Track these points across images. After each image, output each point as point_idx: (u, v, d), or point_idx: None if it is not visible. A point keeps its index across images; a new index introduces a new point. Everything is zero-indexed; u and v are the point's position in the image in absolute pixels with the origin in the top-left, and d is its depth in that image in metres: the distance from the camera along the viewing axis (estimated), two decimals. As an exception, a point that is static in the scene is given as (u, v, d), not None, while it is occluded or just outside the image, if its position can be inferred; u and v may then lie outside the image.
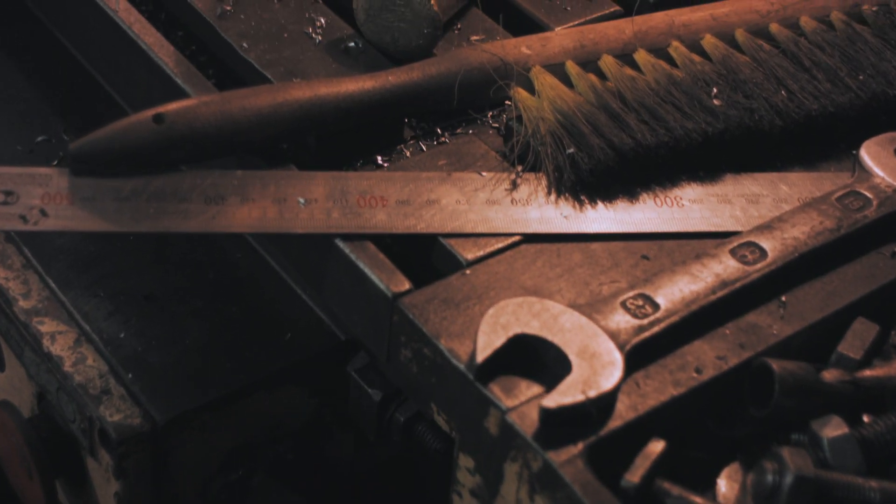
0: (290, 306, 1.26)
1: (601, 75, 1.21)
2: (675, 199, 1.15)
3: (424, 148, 1.24)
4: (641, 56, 1.22)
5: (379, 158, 1.22)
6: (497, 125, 1.27)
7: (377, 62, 1.25)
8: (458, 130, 1.26)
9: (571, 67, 1.20)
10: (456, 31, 1.30)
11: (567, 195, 1.13)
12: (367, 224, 1.08)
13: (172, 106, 1.10)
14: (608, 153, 1.12)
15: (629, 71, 1.20)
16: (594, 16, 1.34)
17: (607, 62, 1.21)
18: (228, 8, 1.28)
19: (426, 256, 1.09)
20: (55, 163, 1.35)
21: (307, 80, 1.14)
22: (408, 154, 1.23)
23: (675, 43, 1.24)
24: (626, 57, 1.22)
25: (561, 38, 1.22)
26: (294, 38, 1.26)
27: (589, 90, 1.18)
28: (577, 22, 1.33)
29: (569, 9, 1.35)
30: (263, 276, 1.29)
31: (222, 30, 1.26)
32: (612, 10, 1.35)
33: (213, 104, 1.10)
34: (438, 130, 1.26)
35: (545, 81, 1.18)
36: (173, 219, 1.06)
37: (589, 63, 1.21)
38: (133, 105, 1.30)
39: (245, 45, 1.25)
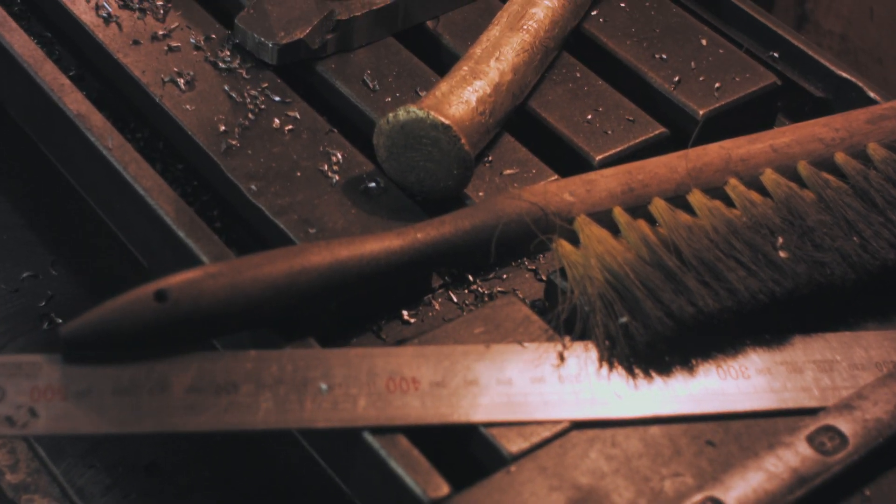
0: (311, 476, 1.16)
1: (651, 219, 1.11)
2: (739, 369, 1.05)
3: (455, 298, 1.14)
4: (696, 198, 1.12)
5: (405, 314, 1.12)
6: (534, 267, 1.18)
7: (401, 205, 1.15)
8: (491, 275, 1.16)
9: (620, 215, 1.10)
10: (487, 164, 1.20)
11: (620, 368, 1.02)
12: (399, 414, 0.97)
13: (175, 280, 0.99)
14: (666, 323, 1.02)
15: (684, 217, 1.10)
16: (638, 140, 1.24)
17: (659, 207, 1.11)
18: (234, 142, 1.18)
19: (465, 447, 0.99)
20: (47, 323, 1.24)
21: (326, 242, 1.03)
22: (437, 307, 1.13)
23: (733, 181, 1.14)
24: (679, 198, 1.12)
25: (607, 180, 1.12)
26: (308, 178, 1.16)
27: (641, 243, 1.07)
28: (619, 148, 1.23)
29: (610, 132, 1.24)
30: (281, 438, 1.18)
31: (228, 169, 1.16)
32: (656, 132, 1.25)
33: (221, 276, 1.00)
34: (470, 277, 1.16)
35: (592, 233, 1.08)
36: (181, 415, 0.95)
37: (639, 206, 1.11)
38: (131, 241, 1.20)
39: (254, 187, 1.14)
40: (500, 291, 1.16)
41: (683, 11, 1.39)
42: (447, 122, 1.12)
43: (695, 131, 1.26)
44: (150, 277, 1.20)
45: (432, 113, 1.12)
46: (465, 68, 1.19)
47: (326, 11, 1.27)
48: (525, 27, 1.24)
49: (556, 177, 1.19)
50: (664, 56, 1.33)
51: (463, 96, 1.16)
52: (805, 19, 2.17)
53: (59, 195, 1.34)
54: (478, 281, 1.16)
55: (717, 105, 1.28)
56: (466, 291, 1.15)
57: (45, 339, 1.24)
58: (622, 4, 1.39)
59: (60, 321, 1.25)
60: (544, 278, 1.17)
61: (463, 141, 1.12)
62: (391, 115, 1.14)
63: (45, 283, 1.29)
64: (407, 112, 1.13)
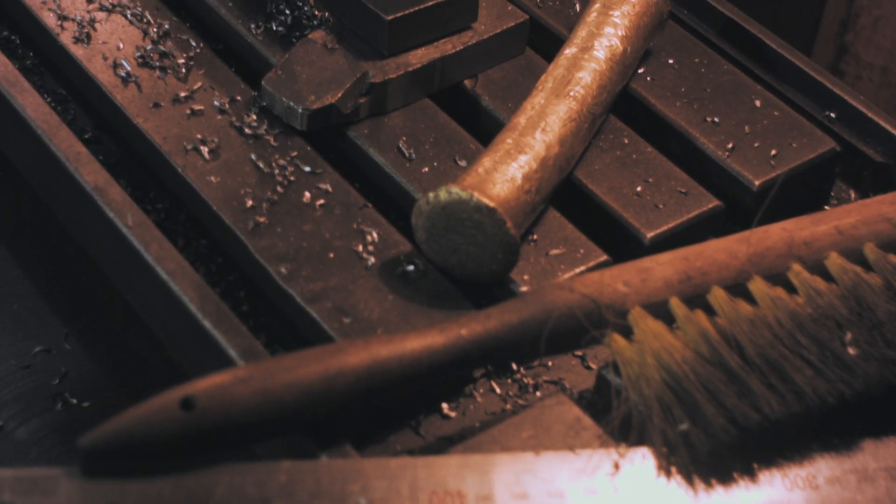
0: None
1: (710, 309, 1.04)
2: (807, 478, 0.99)
3: (498, 389, 1.08)
4: (758, 286, 1.06)
5: (445, 407, 1.06)
6: (581, 353, 1.12)
7: (441, 290, 1.09)
8: (536, 363, 1.11)
9: (677, 307, 1.04)
10: (532, 243, 1.14)
11: (679, 477, 0.96)
12: (444, 535, 0.91)
13: (202, 385, 0.93)
14: (730, 431, 0.96)
15: (745, 308, 1.04)
16: (691, 215, 1.18)
17: (719, 297, 1.04)
18: (262, 220, 1.12)
19: (514, 568, 0.93)
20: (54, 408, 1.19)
21: (364, 341, 0.97)
22: (479, 398, 1.08)
23: (797, 267, 1.08)
24: (739, 286, 1.06)
25: (663, 267, 1.06)
26: (342, 259, 1.10)
27: (700, 339, 1.01)
28: (672, 224, 1.17)
29: (661, 206, 1.18)
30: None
31: (256, 250, 1.10)
32: (710, 206, 1.19)
33: (251, 381, 0.94)
34: (513, 366, 1.10)
35: (648, 328, 1.02)
36: (209, 538, 0.89)
37: (696, 296, 1.05)
38: (152, 321, 1.14)
39: (284, 270, 1.08)
40: (546, 381, 1.10)
41: (735, 68, 1.33)
42: (492, 204, 1.06)
43: (754, 209, 1.20)
44: (171, 359, 1.15)
45: (476, 194, 1.06)
46: (509, 141, 1.13)
47: (359, 73, 1.20)
48: (571, 93, 1.18)
49: (605, 256, 1.13)
50: (716, 119, 1.26)
51: (507, 173, 1.10)
52: (845, 51, 2.10)
53: (73, 260, 1.29)
54: (522, 369, 1.10)
55: (773, 175, 1.22)
56: (510, 381, 1.10)
57: (59, 420, 1.19)
58: (670, 61, 1.33)
59: (75, 401, 1.19)
60: (593, 366, 1.11)
61: (509, 224, 1.06)
62: (431, 195, 1.08)
63: (59, 358, 1.23)
64: (449, 193, 1.07)
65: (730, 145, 1.24)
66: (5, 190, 1.36)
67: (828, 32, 2.09)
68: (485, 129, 1.25)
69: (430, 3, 1.23)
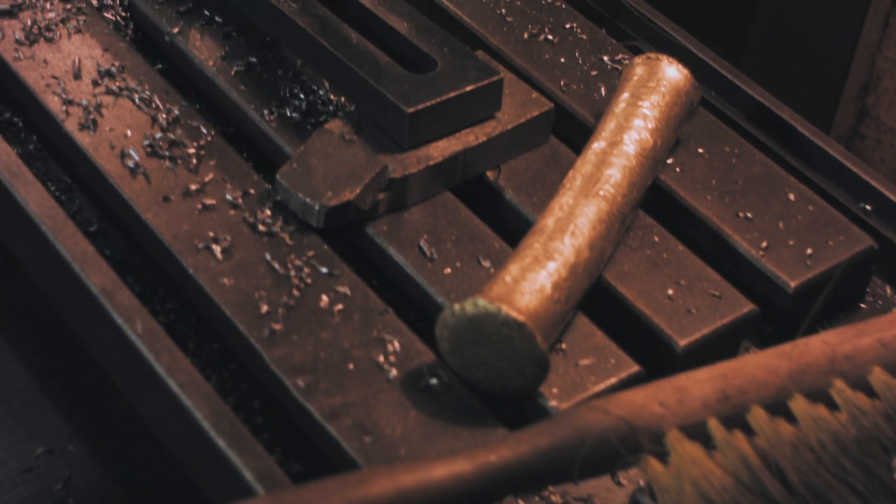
0: None
1: (750, 429, 1.00)
2: None
3: (524, 508, 1.04)
4: (799, 405, 1.02)
5: (470, 528, 1.01)
6: (610, 468, 1.07)
7: (466, 406, 1.04)
8: (564, 479, 1.06)
9: (716, 430, 0.99)
10: (560, 353, 1.09)
11: None
12: None
13: (220, 521, 0.89)
14: (775, 571, 0.92)
15: (786, 429, 0.99)
16: (725, 321, 1.13)
17: (759, 418, 1.00)
18: (278, 327, 1.07)
19: None
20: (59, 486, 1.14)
21: (387, 469, 0.93)
22: (506, 518, 1.03)
23: (839, 384, 1.03)
24: (779, 404, 1.02)
25: (700, 386, 1.01)
26: (362, 371, 1.05)
27: (740, 464, 0.97)
28: (706, 331, 1.13)
29: (694, 311, 1.14)
30: None
31: (272, 360, 1.05)
32: (745, 311, 1.15)
33: (270, 516, 0.89)
34: (542, 483, 1.05)
35: (685, 453, 0.97)
36: None
37: (735, 415, 1.01)
38: (161, 432, 1.09)
39: (301, 383, 1.04)
40: (575, 499, 1.05)
41: (766, 158, 1.29)
42: (521, 318, 1.02)
43: (790, 310, 1.16)
44: (179, 464, 1.10)
45: (504, 307, 1.02)
46: (537, 245, 1.09)
47: (378, 168, 1.16)
48: (601, 193, 1.14)
49: (636, 367, 1.09)
50: (749, 215, 1.22)
51: (536, 282, 1.06)
52: (866, 114, 2.06)
53: (76, 353, 1.24)
54: (550, 487, 1.05)
55: (810, 276, 1.18)
56: (537, 498, 1.05)
57: (63, 532, 1.14)
58: (700, 150, 1.28)
59: (79, 510, 1.15)
60: (624, 483, 1.07)
61: (538, 339, 1.02)
62: (457, 307, 1.03)
63: (62, 460, 1.18)
64: (475, 305, 1.02)
65: (764, 244, 1.20)
66: (3, 275, 1.31)
67: (848, 96, 2.05)
68: (508, 223, 1.21)
69: (453, 94, 1.19)
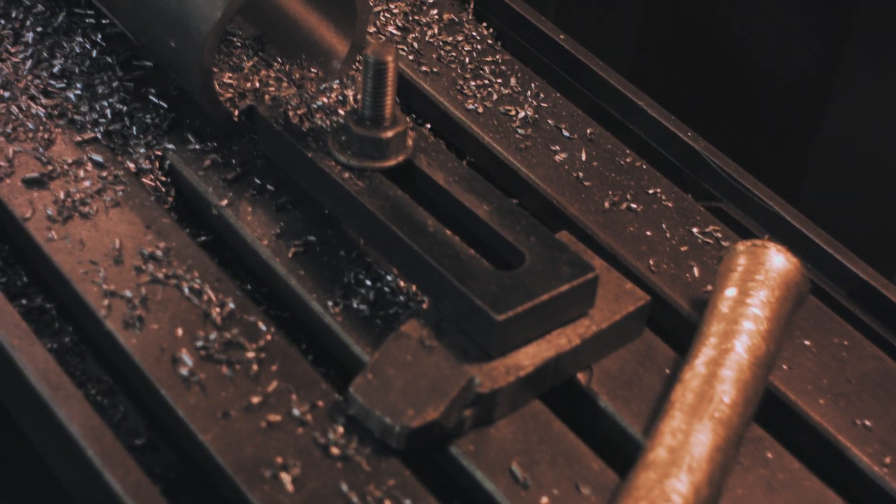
0: None
1: None
2: None
3: None
4: None
5: None
6: None
7: None
8: None
9: None
10: None
11: None
12: None
13: None
14: None
15: None
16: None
17: None
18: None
19: None
20: None
21: None
22: None
23: None
24: None
25: None
26: None
27: None
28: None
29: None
30: None
31: None
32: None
33: None
34: None
35: None
36: None
37: None
38: None
39: None
40: None
41: (879, 351, 1.19)
42: (646, 585, 0.92)
43: None
44: None
45: (626, 571, 0.92)
46: (651, 483, 0.99)
47: (464, 381, 1.06)
48: (716, 415, 1.04)
49: None
50: (867, 423, 1.13)
51: (656, 532, 0.96)
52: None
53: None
54: None
55: (941, 499, 1.09)
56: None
57: None
58: (807, 342, 1.19)
59: None
60: None
61: None
62: (571, 568, 0.93)
63: None
64: (593, 568, 0.92)
65: (888, 459, 1.10)
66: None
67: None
68: (604, 434, 1.11)
69: (546, 297, 1.08)
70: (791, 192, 1.78)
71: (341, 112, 1.22)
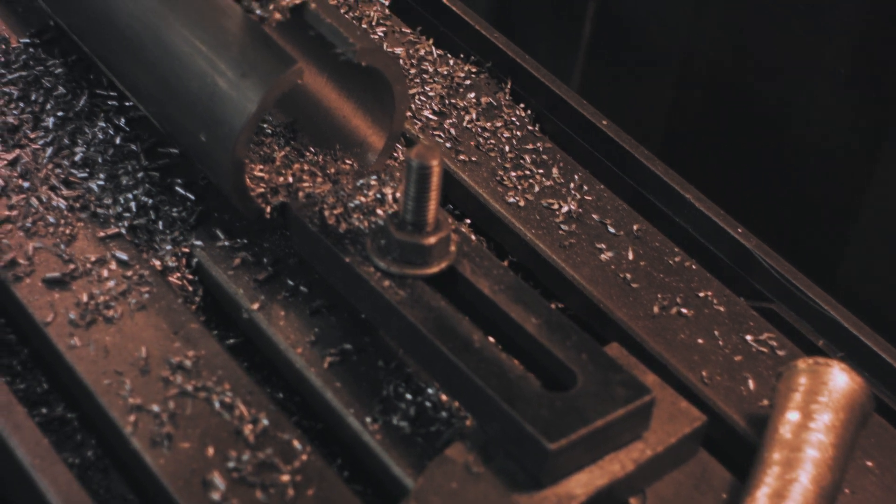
0: None
1: None
2: None
3: None
4: None
5: None
6: None
7: None
8: None
9: None
10: None
11: None
12: None
13: None
14: None
15: None
16: None
17: None
18: None
19: None
20: None
21: None
22: None
23: None
24: None
25: None
26: None
27: None
28: None
29: None
30: None
31: None
32: None
33: None
34: None
35: None
36: None
37: None
38: None
39: None
40: None
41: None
42: None
43: None
44: None
45: None
46: None
47: (513, 512, 1.01)
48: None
49: None
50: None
51: None
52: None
53: None
54: None
55: None
56: None
57: None
58: (869, 463, 1.14)
59: None
60: None
61: None
62: None
63: None
64: None
65: None
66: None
67: None
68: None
69: (601, 423, 1.03)
70: (831, 273, 1.73)
71: (380, 212, 1.17)
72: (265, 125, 1.28)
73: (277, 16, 1.18)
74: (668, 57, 1.87)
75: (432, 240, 1.13)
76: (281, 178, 1.22)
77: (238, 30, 1.17)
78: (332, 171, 1.23)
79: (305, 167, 1.24)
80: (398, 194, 1.17)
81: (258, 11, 1.18)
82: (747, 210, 1.69)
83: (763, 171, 1.77)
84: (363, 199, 1.18)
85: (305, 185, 1.22)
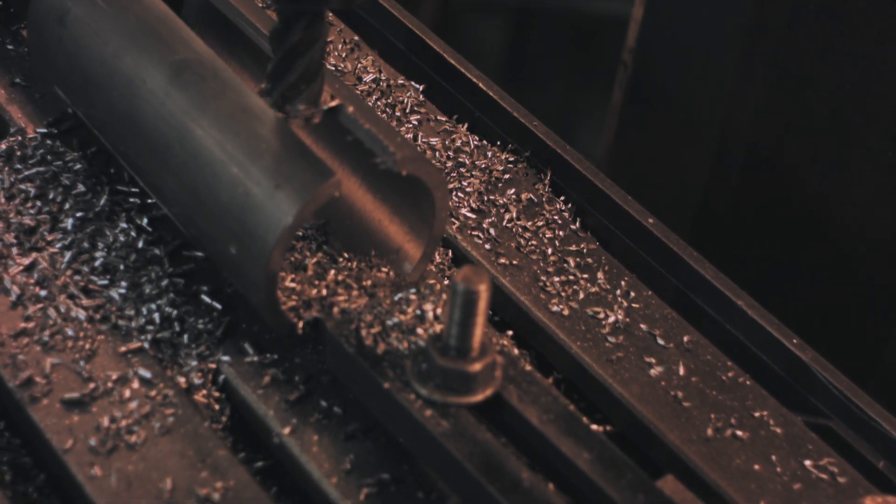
0: None
1: None
2: None
3: None
4: None
5: None
6: None
7: None
8: None
9: None
10: None
11: None
12: None
13: None
14: None
15: None
16: None
17: None
18: None
19: None
20: None
21: None
22: None
23: None
24: None
25: None
26: None
27: None
28: None
29: None
30: None
31: None
32: None
33: None
34: None
35: None
36: None
37: None
38: None
39: None
40: None
41: None
42: None
43: None
44: None
45: None
46: None
47: None
48: None
49: None
50: None
51: None
52: None
53: None
54: None
55: None
56: None
57: None
58: None
59: None
60: None
61: None
62: None
63: None
64: None
65: None
66: None
67: None
68: None
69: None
70: (877, 364, 1.67)
71: (420, 331, 1.11)
72: (296, 228, 1.22)
73: (317, 119, 1.12)
74: (706, 129, 1.82)
75: (478, 366, 1.07)
76: (314, 291, 1.16)
77: (272, 136, 1.11)
78: (368, 282, 1.17)
79: (340, 278, 1.17)
80: (439, 311, 1.11)
81: (291, 112, 1.12)
82: (785, 293, 1.63)
83: (801, 257, 1.72)
84: (402, 316, 1.12)
85: (340, 298, 1.15)
